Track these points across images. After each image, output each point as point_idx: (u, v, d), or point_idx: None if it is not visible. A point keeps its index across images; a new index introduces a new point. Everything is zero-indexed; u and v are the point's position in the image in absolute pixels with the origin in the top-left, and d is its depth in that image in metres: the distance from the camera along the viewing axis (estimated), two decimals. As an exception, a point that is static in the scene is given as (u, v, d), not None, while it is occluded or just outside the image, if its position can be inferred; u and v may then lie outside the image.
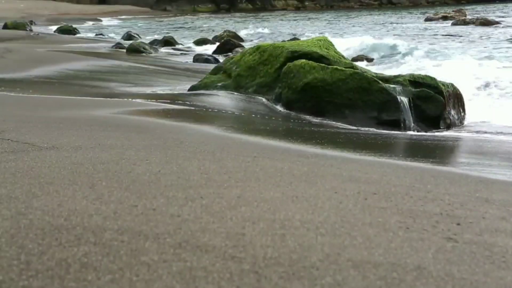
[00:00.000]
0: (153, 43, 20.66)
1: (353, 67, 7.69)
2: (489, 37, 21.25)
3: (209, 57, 15.64)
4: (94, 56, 14.17)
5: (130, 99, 6.73)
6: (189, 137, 4.43)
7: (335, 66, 7.36)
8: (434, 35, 23.83)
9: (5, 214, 2.23)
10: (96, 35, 28.38)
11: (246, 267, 1.88)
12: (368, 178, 3.27)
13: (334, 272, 1.88)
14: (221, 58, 14.80)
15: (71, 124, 4.59)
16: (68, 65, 11.18)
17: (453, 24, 29.85)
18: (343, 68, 7.31)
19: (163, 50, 19.09)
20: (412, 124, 6.93)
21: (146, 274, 1.78)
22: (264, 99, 7.63)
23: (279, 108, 7.33)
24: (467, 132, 6.87)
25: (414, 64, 13.10)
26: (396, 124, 6.83)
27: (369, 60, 15.45)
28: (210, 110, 6.60)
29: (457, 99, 7.48)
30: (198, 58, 15.42)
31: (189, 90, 8.39)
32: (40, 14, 46.59)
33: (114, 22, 45.23)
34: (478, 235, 2.37)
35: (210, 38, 23.49)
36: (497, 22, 28.43)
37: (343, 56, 8.35)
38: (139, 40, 21.23)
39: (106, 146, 3.72)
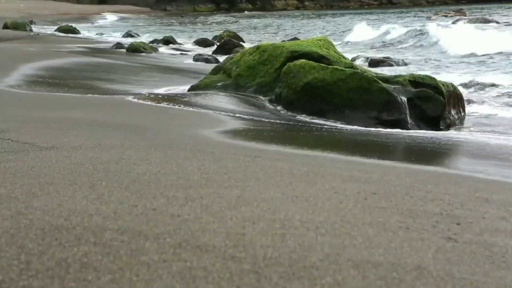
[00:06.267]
0: (153, 42, 20.67)
1: (353, 67, 7.69)
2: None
3: (209, 57, 15.64)
4: (93, 56, 14.16)
5: (130, 99, 6.72)
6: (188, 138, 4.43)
7: (335, 66, 7.35)
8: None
9: (5, 214, 2.23)
10: (96, 34, 28.38)
11: (246, 267, 1.88)
12: (368, 178, 3.27)
13: (334, 272, 1.88)
14: (221, 58, 14.80)
15: (71, 124, 4.59)
16: (66, 64, 11.17)
17: (452, 23, 29.87)
18: (343, 68, 7.30)
19: (163, 50, 19.09)
20: (412, 124, 6.92)
21: (146, 274, 1.78)
22: (264, 99, 7.63)
23: (279, 108, 7.33)
24: (467, 132, 6.87)
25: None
26: (396, 124, 6.82)
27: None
28: (210, 110, 6.59)
29: (457, 99, 7.48)
30: (198, 58, 15.43)
31: (189, 90, 8.39)
32: (40, 14, 46.58)
33: (115, 22, 45.22)
34: (478, 235, 2.37)
35: (210, 38, 23.49)
36: (497, 22, 28.45)
37: (343, 56, 8.35)
38: (139, 40, 21.23)
39: (106, 146, 3.72)
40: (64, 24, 31.36)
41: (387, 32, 24.15)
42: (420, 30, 22.24)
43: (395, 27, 25.37)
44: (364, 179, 3.25)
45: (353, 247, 2.11)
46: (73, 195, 2.54)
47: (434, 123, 7.02)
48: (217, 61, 14.29)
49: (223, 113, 6.43)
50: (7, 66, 9.86)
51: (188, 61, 15.28)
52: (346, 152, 4.53)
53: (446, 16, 34.12)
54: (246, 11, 64.44)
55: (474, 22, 28.53)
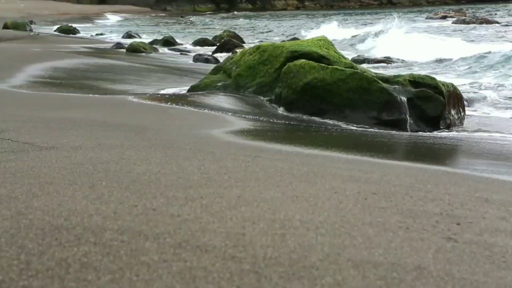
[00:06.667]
0: (153, 43, 20.66)
1: (353, 67, 7.68)
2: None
3: (209, 57, 15.64)
4: (93, 56, 14.16)
5: (130, 99, 6.72)
6: (189, 138, 4.42)
7: (335, 66, 7.35)
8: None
9: (5, 214, 2.23)
10: (96, 34, 28.38)
11: (246, 267, 1.88)
12: (368, 178, 3.27)
13: (334, 272, 1.88)
14: (221, 58, 14.79)
15: (71, 124, 4.59)
16: (66, 65, 11.17)
17: (453, 23, 29.93)
18: (343, 68, 7.30)
19: (163, 50, 19.08)
20: (412, 124, 6.92)
21: (146, 274, 1.78)
22: (264, 99, 7.63)
23: (279, 108, 7.33)
24: (467, 132, 6.87)
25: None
26: (396, 124, 6.82)
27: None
28: (210, 110, 6.59)
29: (457, 99, 7.47)
30: (198, 58, 15.42)
31: (189, 90, 8.39)
32: (40, 14, 46.59)
33: (115, 22, 45.24)
34: (478, 235, 2.37)
35: (210, 38, 23.49)
36: (497, 22, 28.49)
37: (343, 56, 8.34)
38: (139, 40, 21.23)
39: (106, 146, 3.72)
40: (64, 24, 31.36)
41: (346, 34, 24.78)
42: (380, 32, 22.40)
43: (357, 28, 25.94)
44: (364, 179, 3.25)
45: (353, 247, 2.11)
46: (73, 195, 2.54)
47: (434, 123, 7.01)
48: (217, 61, 14.28)
49: (223, 113, 6.43)
50: (7, 66, 9.86)
51: (188, 61, 15.28)
52: (346, 152, 4.53)
53: (446, 16, 34.11)
54: (246, 11, 64.50)
55: (474, 22, 28.55)
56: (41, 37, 21.58)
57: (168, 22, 44.80)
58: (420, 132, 6.68)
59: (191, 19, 48.81)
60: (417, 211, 2.63)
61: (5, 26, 26.00)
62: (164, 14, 60.94)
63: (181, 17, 55.40)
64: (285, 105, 7.30)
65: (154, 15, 58.61)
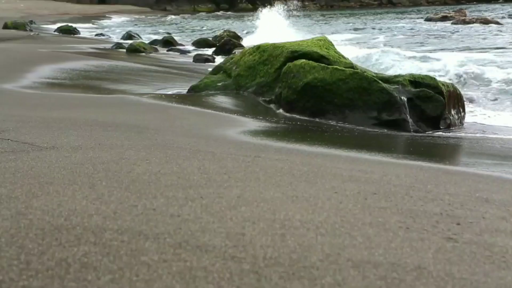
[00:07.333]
0: (153, 43, 20.64)
1: (353, 67, 7.68)
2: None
3: (209, 57, 15.64)
4: (93, 56, 14.16)
5: (130, 99, 6.72)
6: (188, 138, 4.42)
7: (335, 66, 7.35)
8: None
9: (5, 214, 2.23)
10: (96, 35, 28.38)
11: (246, 267, 1.88)
12: (368, 178, 3.27)
13: (334, 272, 1.88)
14: (221, 58, 14.78)
15: (71, 124, 4.59)
16: (66, 65, 11.17)
17: (453, 24, 29.93)
18: (343, 68, 7.30)
19: (163, 50, 19.08)
20: (412, 124, 6.92)
21: (146, 274, 1.78)
22: (264, 99, 7.63)
23: (278, 108, 7.33)
24: (467, 132, 6.87)
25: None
26: (396, 124, 6.82)
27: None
28: (210, 110, 6.60)
29: (457, 99, 7.48)
30: (198, 58, 15.41)
31: (189, 90, 8.39)
32: (40, 14, 46.60)
33: (115, 22, 45.25)
34: (478, 235, 2.37)
35: (210, 38, 23.47)
36: (497, 22, 28.50)
37: (343, 56, 8.34)
38: (139, 40, 21.21)
39: (106, 146, 3.72)
40: (64, 24, 31.32)
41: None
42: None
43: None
44: (364, 179, 3.25)
45: (353, 247, 2.11)
46: (73, 195, 2.54)
47: (434, 123, 7.01)
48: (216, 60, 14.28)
49: (223, 113, 6.43)
50: (8, 66, 9.86)
51: (188, 61, 15.27)
52: (346, 152, 4.53)
53: (447, 16, 34.10)
54: (246, 11, 64.54)
55: (474, 23, 28.57)
56: (41, 37, 21.57)
57: (168, 22, 44.80)
58: (420, 132, 6.68)
59: (168, 18, 49.28)
60: (417, 211, 2.63)
61: (5, 26, 25.98)
62: (164, 14, 60.94)
63: (179, 15, 55.38)
64: (285, 105, 7.30)
65: (154, 15, 58.61)
